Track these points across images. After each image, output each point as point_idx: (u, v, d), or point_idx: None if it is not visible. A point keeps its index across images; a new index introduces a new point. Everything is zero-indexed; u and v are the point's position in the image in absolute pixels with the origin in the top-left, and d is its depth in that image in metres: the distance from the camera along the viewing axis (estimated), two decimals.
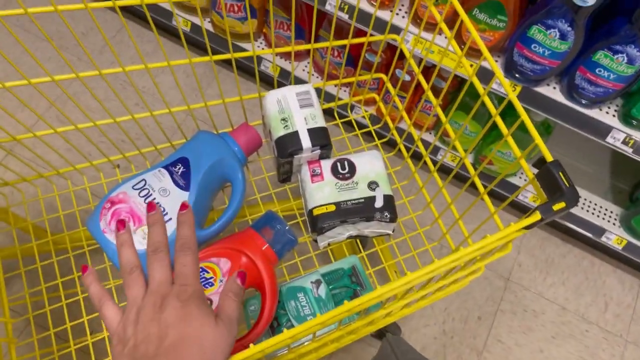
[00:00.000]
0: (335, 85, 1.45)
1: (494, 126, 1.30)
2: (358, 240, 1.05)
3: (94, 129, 0.85)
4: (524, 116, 0.57)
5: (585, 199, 1.48)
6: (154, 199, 0.76)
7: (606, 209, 1.47)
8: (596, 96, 1.08)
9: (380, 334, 1.32)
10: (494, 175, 1.46)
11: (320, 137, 0.82)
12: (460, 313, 1.42)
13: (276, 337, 0.52)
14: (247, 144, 0.84)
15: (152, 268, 0.53)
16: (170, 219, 0.76)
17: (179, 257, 0.54)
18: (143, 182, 0.78)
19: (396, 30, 1.18)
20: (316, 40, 1.48)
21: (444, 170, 1.57)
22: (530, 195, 1.46)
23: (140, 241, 0.74)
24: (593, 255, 1.57)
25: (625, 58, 0.98)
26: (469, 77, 0.71)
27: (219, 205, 0.89)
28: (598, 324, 1.46)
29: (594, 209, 1.47)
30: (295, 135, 0.81)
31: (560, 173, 0.54)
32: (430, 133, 1.53)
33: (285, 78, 1.56)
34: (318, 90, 0.94)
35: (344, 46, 1.40)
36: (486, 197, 0.71)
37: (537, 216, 0.52)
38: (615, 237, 1.41)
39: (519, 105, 0.59)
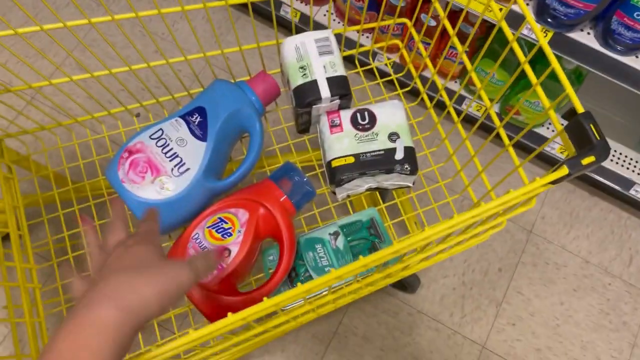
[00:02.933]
0: (357, 31, 1.40)
1: (522, 75, 1.25)
2: (377, 193, 1.03)
3: (113, 77, 0.84)
4: (555, 64, 0.53)
5: (615, 151, 1.43)
6: (172, 148, 0.76)
7: (636, 161, 1.42)
8: (633, 42, 1.02)
9: (400, 284, 1.32)
10: (520, 125, 1.42)
11: (339, 86, 0.80)
12: (481, 265, 1.42)
13: (291, 291, 0.52)
14: (264, 93, 0.82)
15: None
16: (188, 169, 0.75)
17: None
18: (160, 132, 0.77)
19: None
20: None
21: (468, 120, 1.52)
22: (558, 146, 1.41)
23: (157, 191, 0.74)
24: (621, 208, 1.53)
25: None
26: (497, 22, 0.67)
27: (238, 156, 0.88)
28: (622, 277, 1.44)
29: (624, 161, 1.42)
30: (314, 84, 0.79)
31: (592, 125, 0.51)
32: (455, 82, 1.47)
33: (305, 23, 1.51)
34: (339, 37, 0.90)
35: None
36: (511, 149, 0.68)
37: (564, 170, 0.50)
38: None
39: (550, 53, 0.55)
